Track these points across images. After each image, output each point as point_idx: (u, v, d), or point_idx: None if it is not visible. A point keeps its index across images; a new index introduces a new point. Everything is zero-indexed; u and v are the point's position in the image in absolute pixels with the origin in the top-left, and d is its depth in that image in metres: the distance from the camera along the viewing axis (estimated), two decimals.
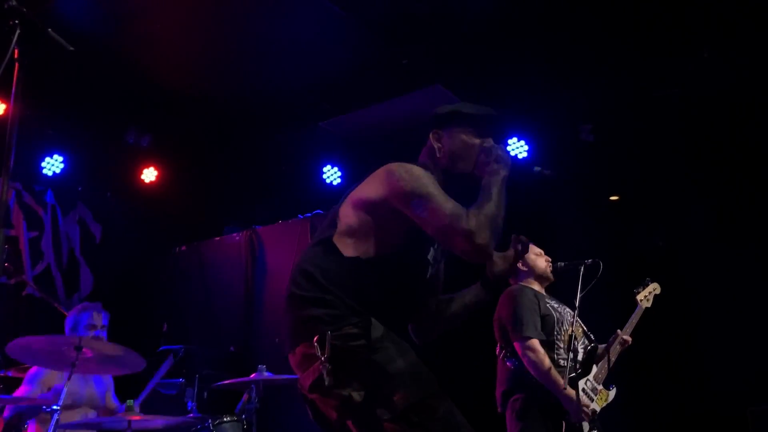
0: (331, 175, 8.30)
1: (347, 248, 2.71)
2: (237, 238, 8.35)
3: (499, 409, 4.68)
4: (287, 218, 8.05)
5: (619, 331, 4.90)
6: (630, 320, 4.97)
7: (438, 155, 2.97)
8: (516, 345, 4.57)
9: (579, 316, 4.62)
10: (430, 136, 3.02)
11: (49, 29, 2.51)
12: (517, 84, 6.81)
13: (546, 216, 7.26)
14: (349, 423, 2.60)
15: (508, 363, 4.66)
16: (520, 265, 4.84)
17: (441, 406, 2.50)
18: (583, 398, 4.49)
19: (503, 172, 2.83)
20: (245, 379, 5.08)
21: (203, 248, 8.67)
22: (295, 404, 2.96)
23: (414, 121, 7.40)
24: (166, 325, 7.29)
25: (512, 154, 7.53)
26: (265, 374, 5.04)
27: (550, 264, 4.96)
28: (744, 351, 6.31)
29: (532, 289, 4.86)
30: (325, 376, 2.49)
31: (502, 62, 6.56)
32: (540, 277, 4.94)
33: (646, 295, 5.08)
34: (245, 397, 5.14)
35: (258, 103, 7.25)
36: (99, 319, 5.22)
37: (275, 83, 6.93)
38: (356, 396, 2.50)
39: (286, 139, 7.80)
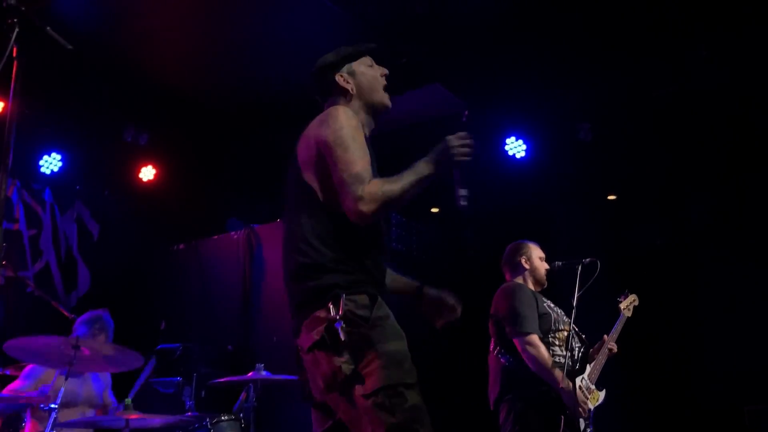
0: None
1: (334, 204, 2.72)
2: (235, 236, 8.35)
3: (491, 407, 4.66)
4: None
5: (606, 336, 4.92)
6: (615, 328, 5.00)
7: (352, 93, 3.04)
8: (516, 341, 4.54)
9: (577, 314, 4.64)
10: (336, 78, 3.07)
11: (48, 27, 2.51)
12: (515, 83, 6.83)
13: (544, 215, 7.27)
14: (333, 395, 2.64)
15: (502, 360, 4.63)
16: (522, 260, 4.88)
17: (411, 399, 2.53)
18: (581, 395, 4.49)
19: (434, 171, 2.80)
20: (243, 377, 5.08)
21: (201, 246, 8.66)
22: (292, 403, 2.97)
23: (413, 120, 7.42)
24: (164, 324, 7.29)
25: (510, 153, 7.54)
26: (263, 373, 5.04)
27: (548, 272, 4.97)
28: (741, 350, 6.32)
29: (529, 287, 4.86)
30: (340, 332, 2.55)
31: (501, 61, 6.57)
32: (536, 281, 4.95)
33: (627, 305, 5.12)
34: (243, 395, 5.14)
35: (255, 101, 7.26)
36: (100, 338, 5.19)
37: (273, 81, 6.93)
38: (345, 368, 2.56)
39: (285, 137, 7.77)
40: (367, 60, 3.15)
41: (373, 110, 3.07)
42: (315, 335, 2.62)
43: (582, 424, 4.42)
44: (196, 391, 5.72)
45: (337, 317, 2.57)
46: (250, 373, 5.04)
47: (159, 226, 8.52)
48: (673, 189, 7.07)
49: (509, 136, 7.53)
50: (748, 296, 6.47)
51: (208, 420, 4.94)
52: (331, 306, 2.59)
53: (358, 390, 2.55)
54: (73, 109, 7.30)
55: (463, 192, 2.84)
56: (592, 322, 5.04)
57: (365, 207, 2.61)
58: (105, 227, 8.50)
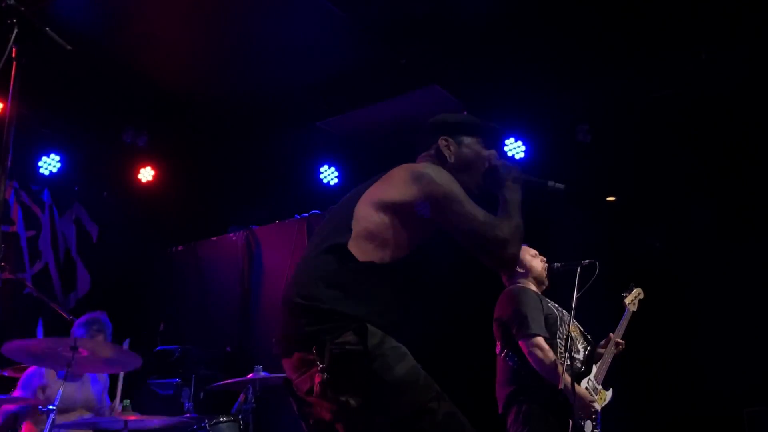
0: (328, 175, 8.29)
1: (363, 253, 2.63)
2: (234, 237, 8.35)
3: (500, 410, 4.63)
4: (284, 218, 8.05)
5: (611, 334, 4.90)
6: (620, 324, 4.97)
7: (450, 161, 2.95)
8: (521, 343, 4.51)
9: (576, 316, 4.62)
10: (440, 141, 2.99)
11: (47, 28, 2.51)
12: (514, 84, 6.82)
13: (542, 216, 7.25)
14: (340, 426, 2.58)
15: (509, 362, 4.60)
16: (517, 267, 4.85)
17: (441, 409, 2.48)
18: (588, 396, 4.49)
19: (520, 192, 2.90)
20: (242, 379, 5.07)
21: (200, 248, 8.67)
22: (291, 405, 2.96)
23: (411, 122, 7.41)
24: (162, 325, 7.29)
25: (510, 154, 7.53)
26: (262, 374, 5.03)
27: (546, 266, 4.95)
28: (740, 352, 6.31)
29: (532, 290, 4.84)
30: (319, 386, 2.47)
31: (500, 63, 6.57)
32: (536, 279, 4.91)
33: (632, 299, 5.09)
34: (242, 397, 5.14)
35: (255, 102, 7.25)
36: (98, 339, 5.18)
37: (272, 83, 6.93)
38: (353, 402, 2.48)
39: (283, 139, 7.79)
40: (480, 140, 3.05)
41: (465, 187, 2.88)
42: (309, 381, 2.55)
43: (589, 426, 4.43)
44: (195, 392, 5.72)
45: (322, 366, 2.47)
46: (249, 375, 5.04)
47: (158, 227, 8.53)
48: (672, 191, 7.06)
49: (508, 138, 7.53)
50: (748, 298, 6.46)
51: (206, 421, 4.93)
52: (315, 354, 2.49)
53: (380, 420, 2.49)
54: (72, 110, 7.29)
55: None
56: (592, 325, 5.04)
57: (512, 248, 2.67)
58: (104, 228, 8.50)
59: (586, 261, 4.78)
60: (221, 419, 4.98)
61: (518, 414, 4.47)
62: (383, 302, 2.63)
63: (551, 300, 4.90)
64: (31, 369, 5.15)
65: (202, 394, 5.87)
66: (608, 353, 4.78)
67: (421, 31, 6.22)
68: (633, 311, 5.05)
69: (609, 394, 4.70)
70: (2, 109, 6.78)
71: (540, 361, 4.42)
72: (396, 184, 2.75)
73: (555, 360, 4.42)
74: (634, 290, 5.14)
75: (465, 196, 2.71)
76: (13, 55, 2.43)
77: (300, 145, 7.98)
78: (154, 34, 6.26)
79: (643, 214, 7.26)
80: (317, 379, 2.48)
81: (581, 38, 6.24)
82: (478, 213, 2.68)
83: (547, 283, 4.94)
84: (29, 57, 2.46)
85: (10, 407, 4.97)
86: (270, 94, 7.10)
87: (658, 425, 6.63)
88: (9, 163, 2.39)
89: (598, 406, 4.53)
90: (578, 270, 4.75)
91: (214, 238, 8.59)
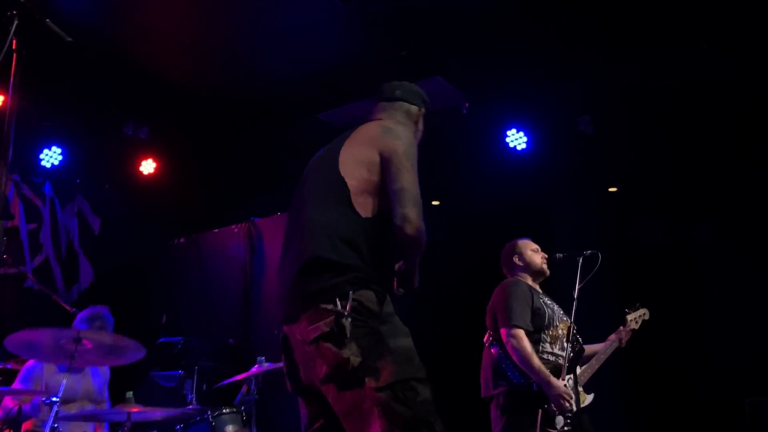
0: None
1: (363, 208, 2.85)
2: (236, 230, 8.36)
3: (482, 394, 4.75)
4: (286, 210, 8.03)
5: (612, 337, 4.94)
6: (613, 339, 4.97)
7: (419, 128, 3.28)
8: (502, 331, 4.63)
9: (577, 307, 4.66)
10: (420, 109, 3.31)
11: (47, 20, 2.50)
12: (516, 75, 6.81)
13: (545, 207, 7.26)
14: (332, 386, 2.69)
15: (492, 349, 4.71)
16: (516, 259, 4.93)
17: (424, 393, 2.61)
18: (565, 390, 4.51)
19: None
20: (246, 374, 5.08)
21: (202, 240, 8.67)
22: (293, 396, 2.97)
23: None
24: (165, 317, 7.30)
25: (511, 145, 7.53)
26: (266, 365, 5.04)
27: (546, 260, 4.99)
28: (742, 342, 6.32)
29: (527, 283, 4.91)
30: (345, 326, 2.60)
31: (502, 54, 6.55)
32: (535, 273, 4.97)
33: (635, 318, 5.08)
34: (244, 388, 5.15)
35: (256, 94, 7.24)
36: (100, 332, 5.18)
37: (274, 75, 6.92)
38: (354, 360, 2.60)
39: (285, 130, 7.79)
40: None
41: None
42: (324, 327, 2.65)
43: (560, 421, 4.45)
44: (198, 384, 5.73)
45: (345, 312, 2.62)
46: (253, 367, 5.04)
47: (159, 219, 8.53)
48: (674, 181, 7.06)
49: (510, 129, 7.52)
50: (750, 288, 6.47)
51: (209, 413, 4.95)
52: (338, 300, 2.64)
53: (370, 383, 2.59)
54: (73, 103, 7.29)
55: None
56: (592, 315, 5.05)
57: (411, 231, 2.78)
58: (105, 221, 8.50)
59: (588, 251, 4.81)
60: (224, 410, 5.00)
61: (497, 405, 4.61)
62: (387, 253, 2.87)
63: (548, 295, 4.94)
64: (32, 361, 5.15)
65: (204, 386, 5.88)
66: (596, 360, 4.83)
67: (422, 23, 6.21)
68: (633, 329, 5.05)
69: (589, 398, 4.74)
70: (3, 101, 6.78)
71: (515, 350, 4.52)
72: (369, 140, 3.00)
73: (531, 352, 4.50)
74: (640, 309, 5.13)
75: (414, 162, 2.92)
76: (14, 47, 2.43)
77: (302, 137, 7.96)
78: (155, 26, 6.25)
79: (645, 204, 7.26)
80: (330, 326, 2.62)
81: (583, 29, 6.22)
82: (417, 188, 2.85)
83: (548, 273, 4.99)
84: (30, 49, 2.46)
85: (12, 399, 4.98)
86: (271, 86, 7.09)
87: (660, 415, 6.64)
88: (10, 156, 2.39)
89: (573, 406, 4.54)
90: (580, 260, 4.79)
91: (216, 230, 8.60)
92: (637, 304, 5.15)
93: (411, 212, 2.78)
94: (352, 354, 2.60)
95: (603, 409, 4.80)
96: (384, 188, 2.87)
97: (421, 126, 3.28)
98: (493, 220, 7.30)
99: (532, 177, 7.48)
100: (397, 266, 2.99)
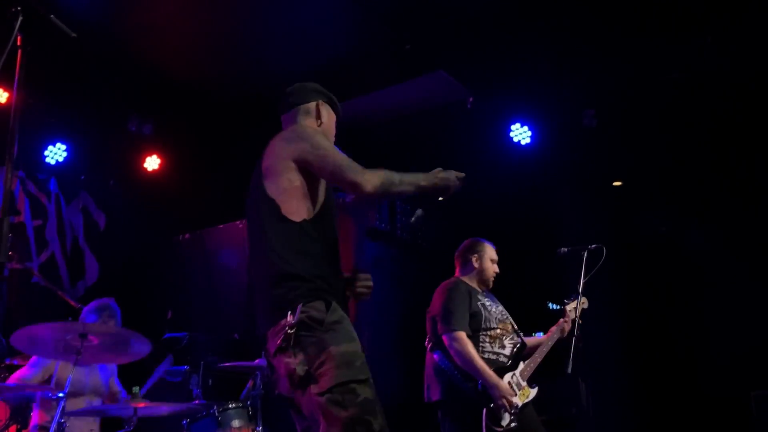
0: None
1: (296, 215, 2.97)
2: (240, 225, 8.36)
3: (425, 399, 4.81)
4: None
5: (553, 329, 4.99)
6: (555, 328, 5.00)
7: (323, 120, 3.35)
8: (444, 337, 4.68)
9: (579, 299, 4.79)
10: (319, 104, 3.39)
11: (52, 16, 2.50)
12: (520, 69, 6.80)
13: (549, 201, 7.26)
14: (297, 395, 2.89)
15: (434, 355, 4.76)
16: (473, 259, 4.98)
17: (363, 393, 2.74)
18: (508, 389, 4.57)
19: (429, 186, 3.18)
20: (250, 363, 5.09)
21: (207, 236, 8.68)
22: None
23: (417, 107, 7.40)
24: (170, 313, 7.31)
25: (516, 139, 7.52)
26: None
27: (496, 274, 5.06)
28: (747, 335, 6.32)
29: (467, 285, 4.96)
30: (281, 340, 2.80)
31: (505, 48, 6.55)
32: (481, 280, 5.04)
33: (574, 307, 5.08)
34: (250, 383, 5.16)
35: (260, 89, 7.23)
36: (108, 325, 5.19)
37: (277, 69, 6.91)
38: (300, 370, 2.79)
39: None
40: (333, 115, 3.45)
41: None
42: (278, 341, 2.84)
43: (507, 419, 4.52)
44: (203, 379, 5.74)
45: (293, 324, 2.79)
46: (256, 361, 5.05)
47: (164, 215, 8.53)
48: (678, 175, 7.05)
49: (514, 123, 7.52)
50: (755, 282, 6.46)
51: (215, 408, 4.96)
52: (289, 314, 2.81)
53: (313, 389, 2.77)
54: (78, 99, 7.29)
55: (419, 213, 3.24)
56: (597, 307, 5.06)
57: (366, 182, 2.89)
58: (110, 217, 8.51)
59: (593, 245, 4.82)
60: (230, 405, 5.01)
61: (440, 405, 4.70)
62: (329, 252, 3.00)
63: (490, 296, 5.00)
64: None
65: (210, 381, 5.89)
66: (538, 353, 4.87)
67: (426, 16, 6.20)
68: (574, 318, 5.06)
69: (533, 391, 4.76)
70: (8, 98, 6.79)
71: (459, 353, 4.59)
72: (277, 149, 3.14)
73: (475, 354, 4.57)
74: (581, 299, 5.10)
75: (330, 143, 3.08)
76: (18, 44, 2.43)
77: None
78: (159, 22, 6.25)
79: (649, 198, 7.26)
80: (281, 336, 2.81)
81: (587, 23, 6.22)
82: (341, 157, 2.97)
83: (490, 286, 5.06)
84: (34, 45, 2.46)
85: (21, 393, 4.99)
86: (275, 81, 7.06)
87: (665, 408, 6.64)
88: (15, 153, 2.40)
89: (518, 401, 4.61)
90: (585, 254, 4.81)
91: (221, 226, 8.60)
92: (577, 294, 5.15)
93: (355, 177, 2.89)
94: (298, 364, 2.78)
95: (609, 403, 4.80)
96: (309, 189, 3.00)
97: (326, 114, 3.37)
98: (497, 214, 7.30)
99: (537, 171, 7.48)
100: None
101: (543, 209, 7.16)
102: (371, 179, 2.90)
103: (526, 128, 7.49)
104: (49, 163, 7.83)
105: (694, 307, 6.69)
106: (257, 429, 4.92)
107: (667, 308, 6.75)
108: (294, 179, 3.00)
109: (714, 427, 6.35)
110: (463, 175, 3.21)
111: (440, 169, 3.19)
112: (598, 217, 6.91)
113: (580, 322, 4.77)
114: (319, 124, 3.33)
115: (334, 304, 2.86)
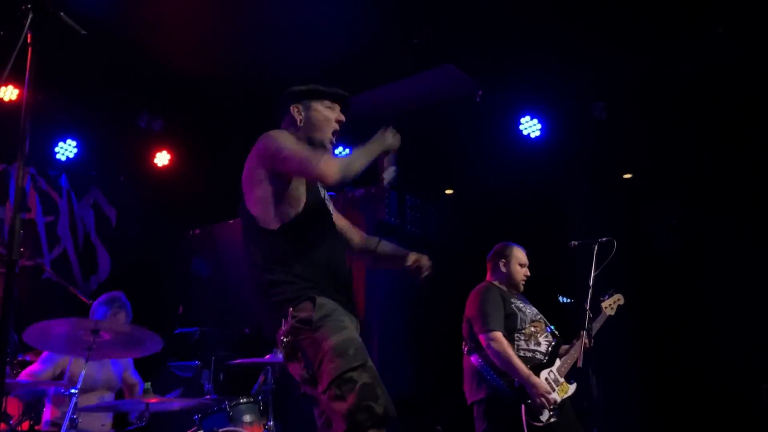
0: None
1: (272, 222, 3.02)
2: None
3: (468, 402, 4.85)
4: None
5: (582, 332, 4.95)
6: (593, 326, 5.00)
7: (300, 124, 3.31)
8: (481, 338, 4.74)
9: (591, 294, 4.77)
10: (291, 108, 3.36)
11: (62, 13, 2.51)
12: (529, 62, 6.78)
13: (559, 195, 7.24)
14: (310, 393, 2.97)
15: (472, 358, 4.82)
16: (501, 264, 5.01)
17: (361, 379, 2.75)
18: (545, 386, 4.61)
19: (382, 146, 3.18)
20: (261, 360, 5.10)
21: (217, 231, 8.70)
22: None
23: (426, 101, 7.38)
24: (181, 308, 7.34)
25: (525, 132, 7.50)
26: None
27: (526, 278, 5.10)
28: (759, 328, 6.30)
29: (499, 288, 5.02)
30: (281, 349, 2.89)
31: (514, 40, 6.52)
32: (511, 284, 5.08)
33: (611, 304, 5.14)
34: (261, 378, 5.17)
35: (268, 84, 7.23)
36: (117, 318, 5.21)
37: (286, 65, 6.91)
38: (304, 374, 2.88)
39: None
40: (327, 102, 3.39)
41: (312, 143, 3.25)
42: (282, 350, 2.94)
43: (546, 414, 4.56)
44: (215, 374, 5.76)
45: (286, 332, 2.87)
46: (267, 356, 5.06)
47: (174, 210, 8.55)
48: (689, 168, 7.02)
49: (524, 116, 7.50)
50: (766, 274, 6.44)
51: (226, 403, 4.97)
52: (283, 321, 2.88)
53: (319, 389, 2.82)
54: (88, 95, 7.32)
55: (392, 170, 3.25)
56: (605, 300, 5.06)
57: (332, 179, 2.93)
58: (121, 213, 8.54)
59: (604, 238, 4.82)
60: (241, 400, 5.02)
61: (480, 408, 4.73)
62: (316, 249, 3.04)
63: (521, 298, 5.04)
64: None
65: (221, 376, 5.91)
66: (575, 350, 4.87)
67: (434, 10, 6.19)
68: (610, 315, 5.09)
69: (572, 387, 4.79)
70: (18, 95, 6.82)
71: (497, 353, 4.64)
72: (249, 161, 3.18)
73: (511, 353, 4.63)
74: (614, 296, 5.19)
75: (288, 143, 3.07)
76: (29, 41, 2.44)
77: None
78: (168, 18, 6.26)
79: (660, 191, 7.23)
80: (283, 344, 2.89)
81: (596, 15, 6.19)
82: (302, 153, 3.01)
83: (521, 290, 5.11)
84: (44, 42, 2.47)
85: (34, 389, 5.01)
86: (284, 76, 7.06)
87: (676, 401, 6.63)
88: (27, 150, 2.41)
89: (557, 397, 4.66)
90: (595, 248, 4.81)
91: (231, 221, 8.61)
92: (612, 290, 5.17)
93: (317, 169, 2.93)
94: (302, 368, 2.88)
95: (620, 397, 4.79)
96: (287, 192, 3.04)
97: (305, 111, 3.35)
98: (507, 208, 7.29)
99: (546, 164, 7.46)
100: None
101: (553, 202, 7.14)
102: (331, 166, 2.94)
103: (535, 121, 7.47)
104: (59, 160, 7.87)
105: (705, 299, 6.66)
106: (268, 424, 4.93)
107: (678, 301, 6.73)
108: (268, 187, 3.05)
109: (726, 421, 6.34)
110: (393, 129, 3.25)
111: (381, 130, 3.23)
112: (608, 210, 6.89)
113: (590, 315, 4.78)
114: (299, 127, 3.32)
115: (319, 300, 2.89)
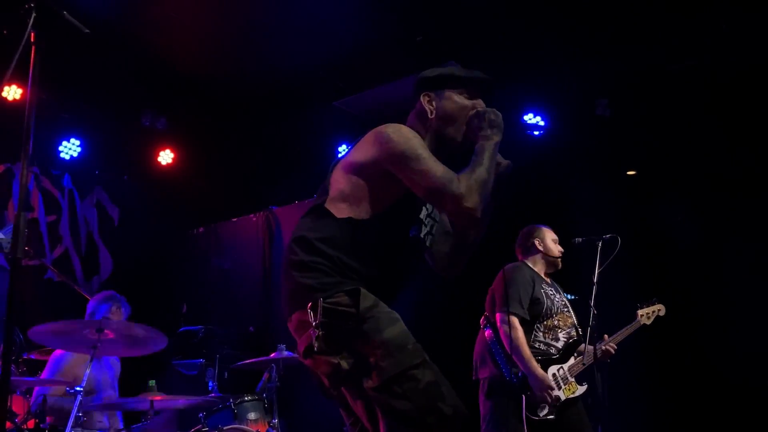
0: None
1: (340, 211, 2.74)
2: (254, 218, 8.39)
3: (473, 376, 4.81)
4: (303, 198, 8.06)
5: (606, 336, 4.91)
6: (621, 331, 4.97)
7: (430, 117, 2.95)
8: (498, 315, 4.67)
9: (595, 291, 4.70)
10: (422, 98, 3.00)
11: (65, 12, 2.51)
12: (532, 59, 6.76)
13: (563, 191, 7.23)
14: (344, 390, 2.66)
15: (486, 332, 4.76)
16: (537, 243, 4.93)
17: (425, 377, 2.50)
18: (550, 381, 4.57)
19: (496, 138, 2.89)
20: (265, 358, 5.11)
21: (221, 229, 8.72)
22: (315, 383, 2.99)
23: None
24: (185, 306, 7.35)
25: (528, 130, 7.48)
26: (285, 353, 5.06)
27: (562, 254, 5.02)
28: (765, 322, 6.28)
29: (532, 269, 4.94)
30: (314, 341, 2.54)
31: (517, 37, 6.51)
32: (549, 263, 5.02)
33: (648, 313, 5.05)
34: (265, 376, 5.18)
35: (272, 83, 7.24)
36: (118, 314, 5.23)
37: (289, 63, 6.91)
38: (344, 364, 2.54)
39: (301, 119, 7.78)
40: (464, 92, 3.04)
41: (442, 140, 2.94)
42: (305, 341, 2.62)
43: (545, 410, 4.53)
44: (219, 372, 5.77)
45: (317, 323, 2.54)
46: (272, 354, 5.07)
47: (178, 209, 8.57)
48: (693, 164, 7.00)
49: (527, 113, 7.48)
50: None
51: (231, 400, 4.98)
52: (310, 311, 2.57)
53: (367, 383, 2.53)
54: (91, 94, 7.32)
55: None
56: (611, 299, 5.03)
57: (468, 203, 2.62)
58: (124, 212, 8.56)
59: (608, 236, 4.80)
60: (245, 398, 5.04)
61: (484, 385, 4.71)
62: (364, 255, 2.69)
63: (555, 285, 4.95)
64: (59, 351, 5.20)
65: (226, 374, 5.92)
66: (595, 353, 4.76)
67: (436, 7, 6.18)
68: (645, 324, 5.02)
69: (582, 389, 4.74)
70: (22, 94, 6.82)
71: (508, 336, 4.57)
72: (361, 147, 2.84)
73: (523, 341, 4.56)
74: (656, 304, 5.09)
75: (425, 152, 2.71)
76: (32, 40, 2.44)
77: (317, 125, 7.96)
78: (171, 16, 6.26)
79: (664, 188, 7.21)
80: (313, 335, 2.54)
81: (600, 11, 6.18)
82: (436, 169, 2.66)
83: (559, 266, 5.02)
84: (48, 41, 2.47)
85: (40, 389, 5.03)
86: (287, 75, 7.09)
87: (682, 397, 6.62)
88: (31, 149, 2.41)
89: (561, 395, 4.59)
90: (599, 245, 4.79)
91: (235, 219, 8.63)
92: (654, 299, 5.09)
93: (456, 199, 2.62)
94: (341, 358, 2.54)
95: (625, 393, 4.79)
96: (377, 192, 2.74)
97: (434, 104, 2.96)
98: (510, 205, 7.27)
99: (550, 161, 7.44)
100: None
101: (557, 200, 7.12)
102: (473, 194, 2.63)
103: (539, 118, 7.46)
104: (63, 159, 7.87)
105: (710, 295, 6.65)
106: (273, 421, 4.95)
107: (683, 297, 6.71)
108: (362, 177, 2.76)
109: (732, 416, 6.32)
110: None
111: (481, 114, 2.87)
112: (612, 207, 6.88)
113: (595, 312, 4.75)
114: (430, 120, 2.95)
115: (363, 290, 2.57)
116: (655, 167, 7.26)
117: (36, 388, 5.05)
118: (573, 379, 4.69)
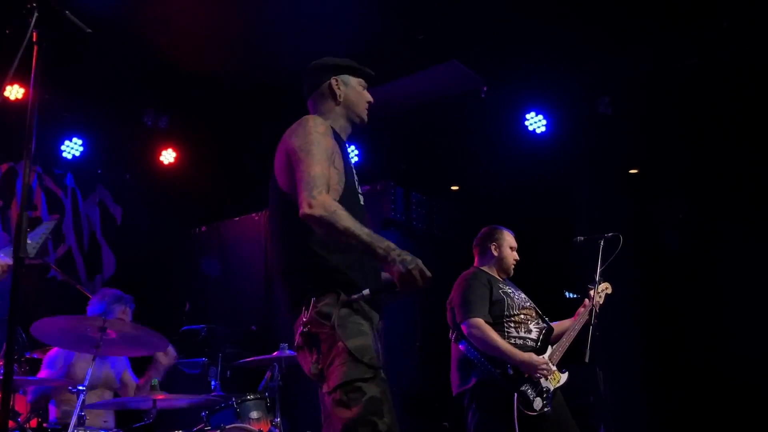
0: (349, 153, 8.27)
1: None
2: (256, 217, 8.39)
3: (453, 392, 4.76)
4: None
5: (573, 319, 4.91)
6: (580, 312, 4.93)
7: (340, 99, 3.24)
8: (462, 326, 4.64)
9: (596, 285, 4.77)
10: (332, 81, 3.26)
11: (67, 11, 2.51)
12: (534, 57, 6.77)
13: (564, 190, 7.23)
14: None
15: (460, 346, 4.70)
16: (492, 247, 4.92)
17: (370, 392, 2.64)
18: (539, 360, 4.53)
19: (383, 256, 2.70)
20: (268, 356, 5.11)
21: (223, 228, 8.72)
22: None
23: (431, 97, 7.38)
24: (188, 305, 7.35)
25: (531, 128, 7.48)
26: (287, 352, 5.06)
27: (516, 263, 5.00)
28: (767, 322, 6.28)
29: (487, 274, 4.91)
30: (300, 338, 2.80)
31: (520, 36, 6.51)
32: (502, 269, 4.98)
33: (599, 292, 5.03)
34: (268, 375, 5.18)
35: (274, 81, 7.24)
36: (126, 315, 5.24)
37: (291, 61, 6.90)
38: (314, 369, 2.77)
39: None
40: (361, 81, 3.34)
41: (352, 121, 3.29)
42: (298, 338, 2.84)
43: (539, 402, 4.48)
44: (222, 371, 5.77)
45: (305, 321, 2.77)
46: (275, 353, 5.07)
47: (180, 208, 8.57)
48: (695, 162, 7.01)
49: (529, 112, 7.48)
50: None
51: (233, 399, 4.99)
52: (304, 310, 2.78)
53: (324, 388, 2.75)
54: (93, 94, 7.33)
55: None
56: (613, 297, 5.04)
57: (310, 210, 2.71)
58: (127, 211, 8.56)
59: (610, 234, 4.80)
60: (248, 397, 5.04)
61: (469, 396, 4.62)
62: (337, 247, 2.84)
63: (510, 284, 4.95)
64: (55, 348, 5.19)
65: (228, 373, 5.92)
66: (566, 338, 4.81)
67: (438, 6, 6.18)
68: (600, 303, 5.01)
69: (564, 376, 4.72)
70: (24, 94, 6.83)
71: (480, 339, 4.54)
72: (283, 146, 3.09)
73: (494, 336, 4.52)
74: (602, 284, 5.04)
75: (318, 146, 2.91)
76: (34, 39, 2.44)
77: None
78: (173, 15, 6.26)
79: (666, 186, 7.22)
80: (299, 332, 2.80)
81: (602, 10, 6.17)
82: (315, 167, 2.83)
83: (511, 274, 5.01)
84: (49, 41, 2.47)
85: (39, 387, 5.03)
86: (289, 73, 7.08)
87: (684, 397, 6.62)
88: (33, 148, 2.41)
89: (549, 386, 4.58)
90: (601, 243, 4.79)
91: (237, 218, 8.63)
92: (600, 279, 5.10)
93: (308, 197, 2.73)
94: (313, 362, 2.76)
95: (627, 392, 4.78)
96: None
97: (344, 87, 3.26)
98: (512, 204, 7.28)
99: (552, 160, 7.45)
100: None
101: (559, 198, 7.13)
102: (324, 204, 2.71)
103: (540, 117, 7.46)
104: (65, 158, 7.88)
105: (712, 294, 6.65)
106: (275, 420, 4.95)
107: (684, 296, 6.72)
108: (293, 174, 2.93)
109: (734, 416, 6.33)
110: (429, 275, 2.68)
111: (395, 246, 2.72)
112: (614, 206, 6.89)
113: (597, 311, 4.75)
114: (338, 102, 3.25)
115: (343, 296, 2.75)
116: (657, 165, 7.26)
117: (31, 387, 5.05)
118: (555, 368, 4.67)
